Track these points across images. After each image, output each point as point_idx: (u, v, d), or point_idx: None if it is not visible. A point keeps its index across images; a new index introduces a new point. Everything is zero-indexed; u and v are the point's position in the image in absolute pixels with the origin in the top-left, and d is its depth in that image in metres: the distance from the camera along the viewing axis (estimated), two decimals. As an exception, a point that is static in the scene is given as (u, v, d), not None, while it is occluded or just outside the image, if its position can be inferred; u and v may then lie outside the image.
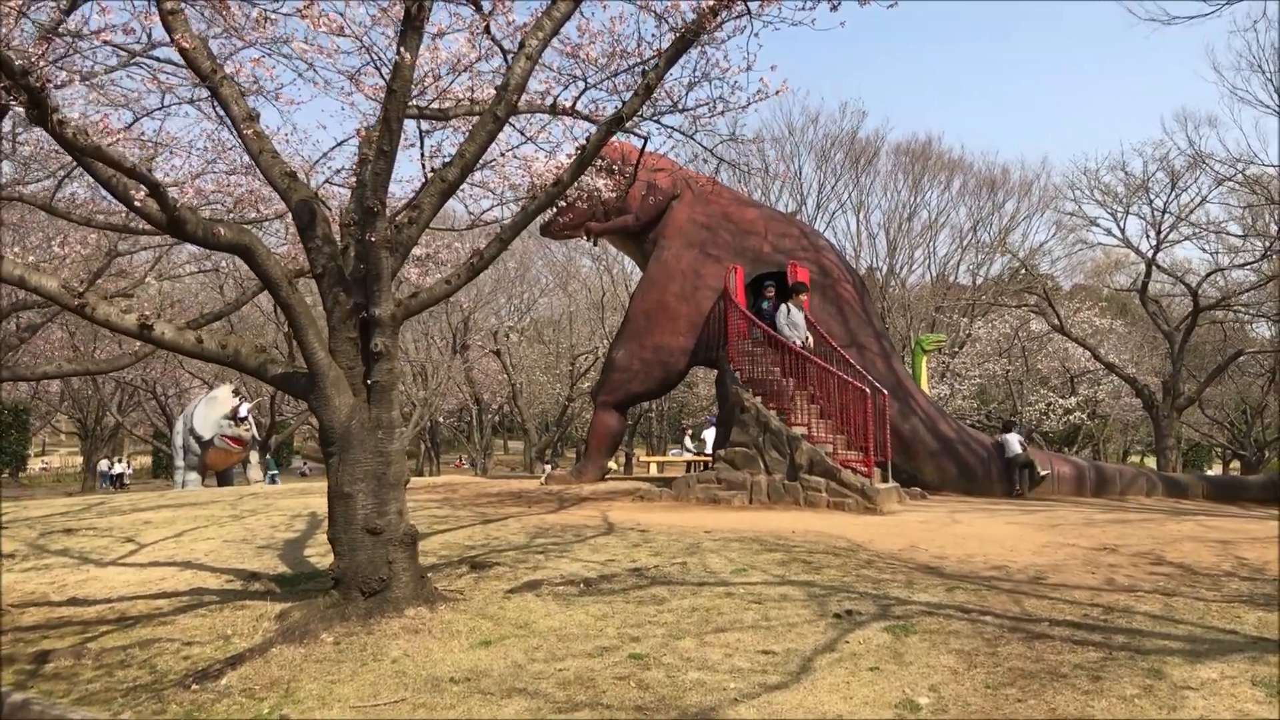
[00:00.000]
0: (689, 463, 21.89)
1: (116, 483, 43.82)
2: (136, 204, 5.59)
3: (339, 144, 12.26)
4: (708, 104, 9.66)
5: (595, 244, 18.05)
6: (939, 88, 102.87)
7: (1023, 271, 33.61)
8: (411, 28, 6.26)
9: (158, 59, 10.37)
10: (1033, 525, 10.57)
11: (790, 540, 9.47)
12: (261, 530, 11.41)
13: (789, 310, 13.95)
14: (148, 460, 52.91)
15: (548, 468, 24.11)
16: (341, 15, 7.23)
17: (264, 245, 6.50)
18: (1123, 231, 26.05)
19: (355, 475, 6.88)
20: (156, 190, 5.42)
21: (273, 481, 27.82)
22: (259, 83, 10.95)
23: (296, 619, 6.82)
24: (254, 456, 27.73)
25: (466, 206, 13.43)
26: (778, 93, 9.64)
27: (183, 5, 6.76)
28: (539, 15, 7.02)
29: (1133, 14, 20.97)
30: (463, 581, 8.06)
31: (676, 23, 6.96)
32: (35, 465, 58.74)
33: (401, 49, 6.28)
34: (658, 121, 9.78)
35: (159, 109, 11.55)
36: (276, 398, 33.76)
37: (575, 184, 14.10)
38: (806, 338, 13.93)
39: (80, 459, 44.34)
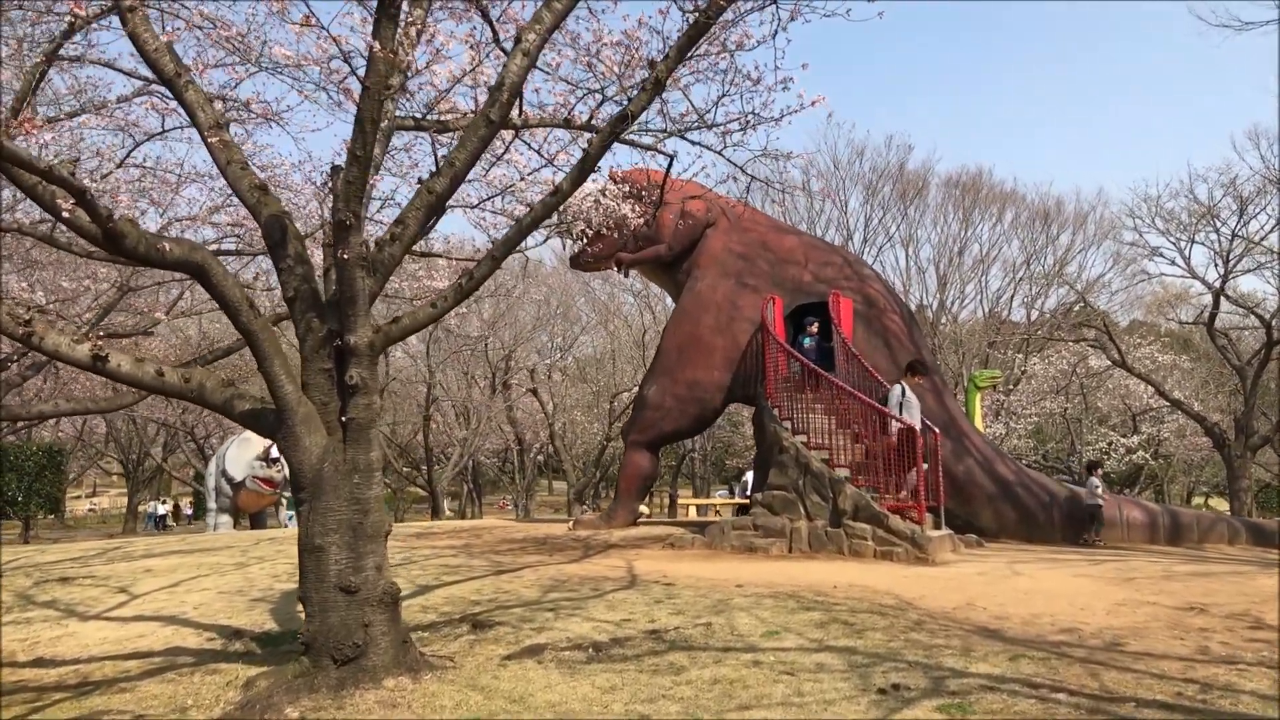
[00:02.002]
0: (736, 506, 20.92)
1: (161, 524, 43.57)
2: (65, 214, 4.86)
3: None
4: (738, 119, 8.89)
5: (626, 275, 17.25)
6: (990, 119, 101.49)
7: (1080, 305, 32.25)
8: (385, 15, 5.52)
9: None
10: (1104, 579, 9.46)
11: (831, 596, 8.47)
12: (261, 580, 10.63)
13: (904, 391, 12.24)
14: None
15: (587, 509, 23.20)
16: (317, 20, 6.51)
17: (220, 264, 5.75)
18: (1187, 261, 24.58)
19: (328, 525, 6.06)
20: (83, 198, 4.68)
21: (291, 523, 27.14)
22: (268, 105, 10.42)
23: (260, 690, 5.97)
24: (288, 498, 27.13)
25: (490, 235, 12.71)
26: (814, 104, 8.84)
27: (141, 3, 6.08)
28: (538, 8, 6.26)
29: (1202, 19, 19.83)
30: (458, 644, 7.18)
31: (691, 8, 6.14)
32: (83, 506, 59.03)
33: (374, 40, 5.53)
34: (683, 137, 9.02)
35: (159, 133, 11.03)
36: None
37: (603, 212, 13.44)
38: (919, 409, 12.35)
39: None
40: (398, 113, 7.48)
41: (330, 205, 6.05)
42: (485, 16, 7.32)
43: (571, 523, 15.20)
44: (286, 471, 26.28)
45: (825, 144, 38.37)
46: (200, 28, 9.71)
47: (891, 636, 6.97)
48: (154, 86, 10.09)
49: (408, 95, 7.86)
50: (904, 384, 12.42)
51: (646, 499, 46.79)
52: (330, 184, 6.26)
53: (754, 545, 11.84)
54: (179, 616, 8.98)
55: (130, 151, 11.05)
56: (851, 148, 59.65)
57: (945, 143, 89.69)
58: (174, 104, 10.00)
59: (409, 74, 8.33)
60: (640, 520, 15.41)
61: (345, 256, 5.78)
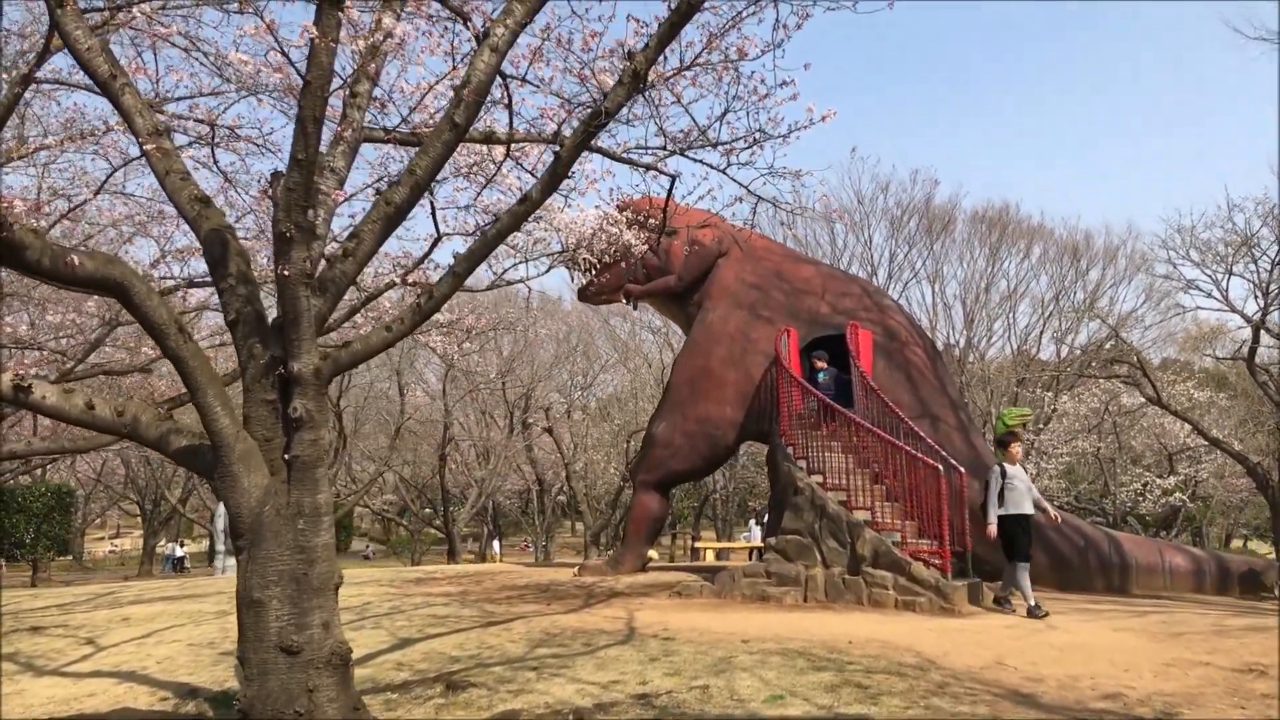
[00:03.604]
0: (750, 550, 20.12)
1: (178, 566, 42.98)
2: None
3: (348, 198, 11.05)
4: (745, 136, 8.26)
5: (635, 307, 16.60)
6: (1017, 152, 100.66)
7: (1111, 341, 31.25)
8: (327, 1, 4.91)
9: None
10: (1148, 633, 8.60)
11: (845, 654, 7.66)
12: (236, 632, 9.93)
13: (1003, 472, 10.54)
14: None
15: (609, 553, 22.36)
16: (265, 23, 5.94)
17: (143, 281, 5.12)
18: (1225, 294, 23.63)
19: (268, 577, 5.36)
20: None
21: None
22: (258, 130, 9.90)
23: (189, 764, 5.27)
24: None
25: (491, 266, 12.10)
26: (824, 119, 8.20)
27: (73, -2, 5.52)
28: (508, 1, 5.65)
29: (1240, 32, 19.08)
30: (426, 708, 6.45)
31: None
32: (104, 548, 58.74)
33: (315, 30, 4.93)
34: (685, 155, 8.39)
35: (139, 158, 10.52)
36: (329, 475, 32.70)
37: (607, 240, 12.81)
38: (1030, 488, 10.61)
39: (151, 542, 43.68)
40: (370, 124, 6.90)
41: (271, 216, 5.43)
42: (464, 19, 6.74)
43: (577, 568, 14.43)
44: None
45: (849, 179, 37.75)
46: (186, 50, 9.27)
47: (910, 703, 6.18)
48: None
49: (379, 105, 7.27)
50: (1003, 464, 10.71)
51: (671, 542, 45.92)
52: (270, 192, 5.65)
53: (766, 594, 11.03)
54: (138, 672, 8.31)
55: (110, 176, 10.55)
56: (875, 182, 59.07)
57: (971, 176, 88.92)
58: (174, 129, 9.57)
59: (389, 90, 7.82)
60: (649, 565, 14.61)
61: (286, 273, 5.14)
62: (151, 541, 41.66)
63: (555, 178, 5.52)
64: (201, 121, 9.70)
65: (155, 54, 8.95)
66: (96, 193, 10.75)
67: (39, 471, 32.28)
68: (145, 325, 5.23)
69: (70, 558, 42.02)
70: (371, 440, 39.67)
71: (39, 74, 9.94)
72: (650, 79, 8.09)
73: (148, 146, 5.58)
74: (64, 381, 12.13)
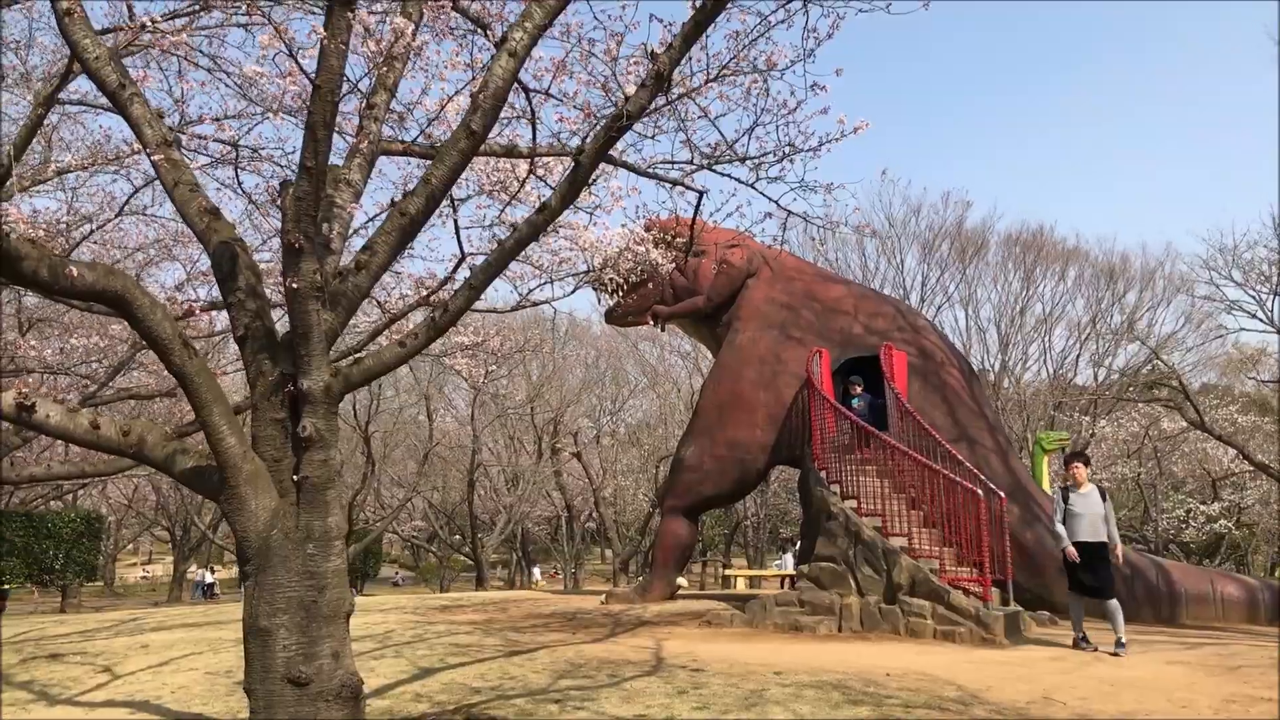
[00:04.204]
0: (782, 578, 19.73)
1: (208, 593, 42.94)
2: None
3: (370, 219, 10.90)
4: (774, 150, 8.01)
5: (662, 329, 16.34)
6: (1049, 173, 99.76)
7: (1151, 364, 30.60)
8: (338, 1, 4.71)
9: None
10: (1203, 667, 8.16)
11: (883, 686, 7.30)
12: (255, 659, 9.69)
13: (1065, 493, 9.67)
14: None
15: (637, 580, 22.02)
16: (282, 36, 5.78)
17: (146, 293, 4.91)
18: (1269, 315, 23.04)
19: (275, 604, 5.11)
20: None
21: None
22: (285, 153, 9.76)
23: (192, 802, 5.01)
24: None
25: (516, 287, 11.89)
26: (856, 130, 7.94)
27: (80, 5, 5.37)
28: (528, 5, 5.44)
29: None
30: (443, 743, 6.16)
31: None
32: (136, 574, 58.97)
33: (325, 34, 4.73)
34: (712, 169, 8.16)
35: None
36: (358, 501, 32.66)
37: (635, 261, 12.57)
38: (1095, 514, 9.51)
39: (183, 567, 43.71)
40: (388, 138, 6.71)
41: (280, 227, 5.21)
42: (483, 29, 6.56)
43: (604, 596, 14.10)
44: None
45: (880, 201, 37.36)
46: (210, 70, 9.16)
47: (954, 741, 5.82)
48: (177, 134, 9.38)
49: (397, 118, 7.09)
50: (1061, 485, 9.93)
51: (702, 569, 45.36)
52: (279, 201, 5.44)
53: (799, 623, 10.66)
54: (152, 702, 8.07)
55: (131, 196, 10.46)
56: (907, 205, 58.61)
57: (1004, 199, 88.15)
58: (193, 151, 9.46)
59: (408, 104, 7.64)
60: (678, 593, 14.26)
61: (295, 285, 4.92)
62: (182, 567, 41.69)
63: (576, 185, 5.27)
64: (224, 142, 9.58)
65: (181, 76, 8.86)
66: (118, 214, 10.66)
67: (70, 497, 32.50)
68: (148, 340, 5.01)
69: (101, 583, 42.08)
70: (401, 466, 39.58)
71: (62, 95, 9.95)
72: (678, 92, 7.89)
73: (155, 157, 5.40)
74: (89, 406, 12.06)
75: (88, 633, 13.31)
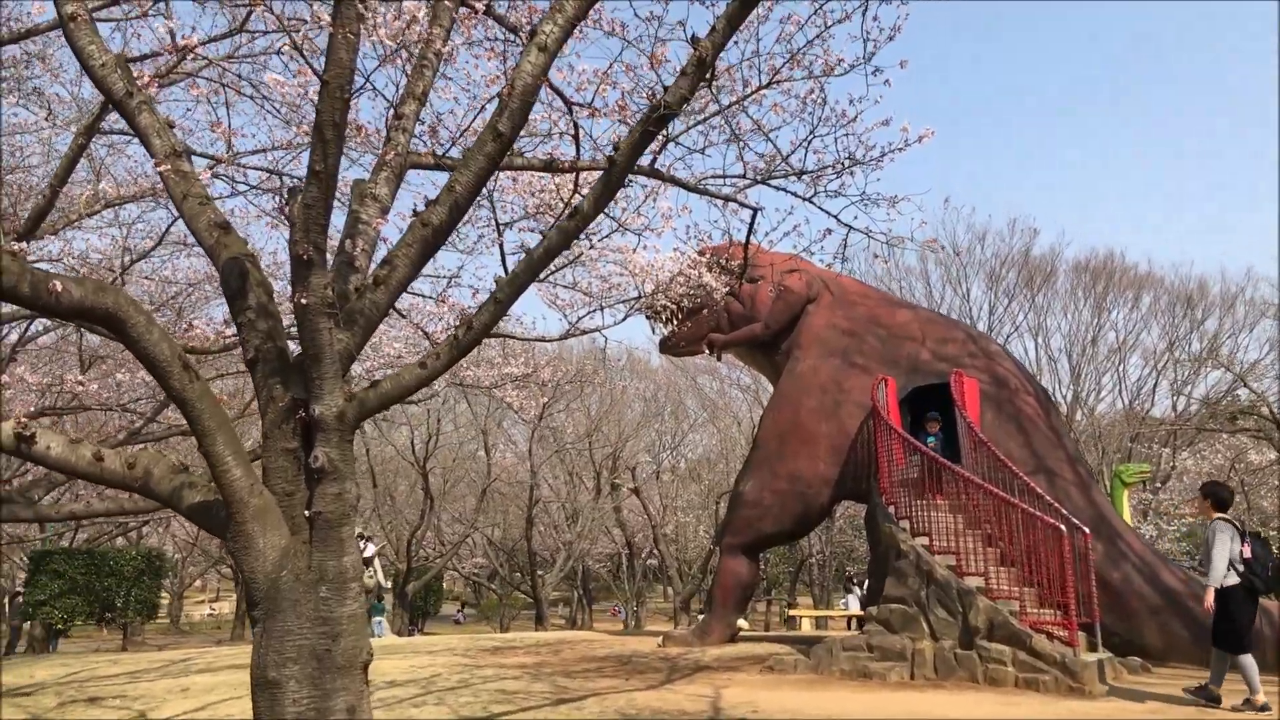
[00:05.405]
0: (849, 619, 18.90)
1: (269, 630, 42.80)
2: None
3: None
4: (833, 165, 7.51)
5: (719, 358, 15.77)
6: (1116, 198, 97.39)
7: (1236, 392, 29.20)
8: (346, -10, 4.30)
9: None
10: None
11: (963, 744, 6.61)
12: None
13: (1214, 533, 8.52)
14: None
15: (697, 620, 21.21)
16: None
17: (142, 310, 4.51)
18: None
19: (285, 653, 4.64)
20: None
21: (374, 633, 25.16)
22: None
23: None
24: (387, 604, 25.63)
25: (565, 315, 11.46)
26: (921, 139, 7.42)
27: (85, 9, 5.04)
28: (558, -2, 5.00)
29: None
30: (475, 805, 5.62)
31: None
32: (201, 611, 59.48)
33: (334, 26, 4.32)
34: (767, 184, 7.66)
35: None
36: (416, 537, 32.41)
37: (688, 286, 12.07)
38: (1241, 551, 8.36)
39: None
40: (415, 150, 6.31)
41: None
42: (515, 31, 6.15)
43: (661, 638, 13.46)
44: (380, 576, 25.07)
45: (944, 230, 36.42)
46: (251, 98, 8.92)
47: (1049, 811, 5.12)
48: (219, 168, 9.09)
49: (429, 130, 6.70)
50: (1238, 523, 8.69)
51: (765, 609, 44.28)
52: (287, 210, 5.03)
53: (868, 670, 9.94)
54: (178, 752, 7.66)
55: (171, 225, 10.23)
56: (972, 233, 57.39)
57: (1071, 226, 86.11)
58: (240, 181, 9.21)
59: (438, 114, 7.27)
60: (739, 635, 13.57)
61: (305, 301, 4.49)
62: (244, 605, 41.75)
63: (610, 186, 4.78)
64: (268, 170, 9.32)
65: (229, 108, 8.61)
66: (158, 242, 10.46)
67: (134, 535, 32.66)
68: (145, 362, 4.61)
69: (167, 620, 42.32)
70: (461, 503, 39.31)
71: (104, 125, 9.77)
72: (728, 99, 7.40)
73: (163, 168, 5.03)
74: (135, 443, 11.85)
75: (137, 674, 13.03)
